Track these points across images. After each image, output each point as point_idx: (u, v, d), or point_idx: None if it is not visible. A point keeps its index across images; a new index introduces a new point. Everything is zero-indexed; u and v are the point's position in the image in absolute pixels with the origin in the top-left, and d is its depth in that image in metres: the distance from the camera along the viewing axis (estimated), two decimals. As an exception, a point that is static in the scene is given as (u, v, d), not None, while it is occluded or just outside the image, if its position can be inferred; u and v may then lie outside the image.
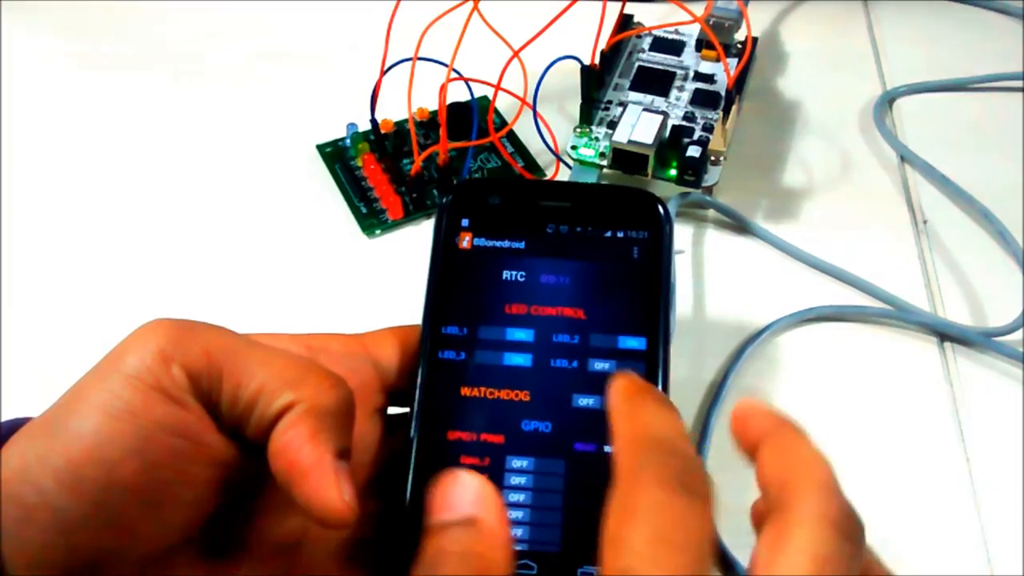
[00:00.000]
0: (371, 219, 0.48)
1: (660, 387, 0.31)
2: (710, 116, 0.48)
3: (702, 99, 0.49)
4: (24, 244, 0.46)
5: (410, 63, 0.45)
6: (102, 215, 0.48)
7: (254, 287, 0.45)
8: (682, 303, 0.45)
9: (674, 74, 0.51)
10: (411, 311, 0.32)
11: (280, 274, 0.46)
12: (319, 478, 0.26)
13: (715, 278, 0.46)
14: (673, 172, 0.46)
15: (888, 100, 0.54)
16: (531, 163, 0.51)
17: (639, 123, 0.46)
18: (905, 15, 0.59)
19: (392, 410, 0.32)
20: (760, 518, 0.24)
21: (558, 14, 0.45)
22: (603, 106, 0.49)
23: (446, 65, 0.45)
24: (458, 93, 0.47)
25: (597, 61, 0.48)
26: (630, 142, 0.45)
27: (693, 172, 0.46)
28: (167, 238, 0.47)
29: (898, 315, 0.45)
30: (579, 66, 0.47)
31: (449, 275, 0.33)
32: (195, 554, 0.28)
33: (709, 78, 0.50)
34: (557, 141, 0.49)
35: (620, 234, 0.33)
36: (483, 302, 0.32)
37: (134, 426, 0.25)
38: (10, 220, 0.47)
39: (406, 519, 0.29)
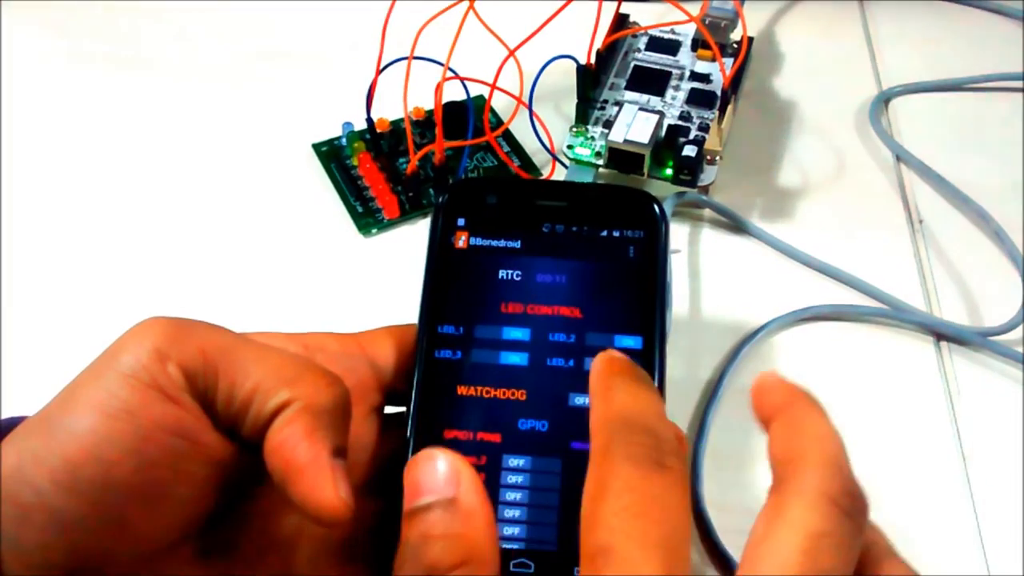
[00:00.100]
0: (367, 218, 0.48)
1: (655, 385, 0.31)
2: (706, 116, 0.48)
3: (698, 99, 0.49)
4: (23, 243, 0.46)
5: (406, 62, 0.45)
6: (100, 213, 0.48)
7: (250, 286, 0.45)
8: (678, 302, 0.45)
9: (670, 74, 0.51)
10: (407, 310, 0.32)
11: (276, 273, 0.46)
12: (315, 475, 0.25)
13: (711, 277, 0.46)
14: (669, 171, 0.47)
15: (884, 100, 0.54)
16: (527, 162, 0.51)
17: (635, 122, 0.46)
18: (900, 15, 0.59)
19: (389, 409, 0.32)
20: None
21: (554, 13, 0.45)
22: (599, 105, 0.49)
23: (442, 64, 0.45)
24: (454, 92, 0.47)
25: (593, 60, 0.48)
26: (626, 141, 0.45)
27: (689, 171, 0.46)
28: (164, 237, 0.47)
29: (894, 314, 0.45)
30: (575, 65, 0.47)
31: (445, 274, 0.33)
32: (192, 553, 0.28)
33: (705, 78, 0.50)
34: (553, 140, 0.49)
35: (616, 233, 0.33)
36: (479, 301, 0.32)
37: (131, 425, 0.25)
38: (10, 219, 0.47)
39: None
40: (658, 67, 0.51)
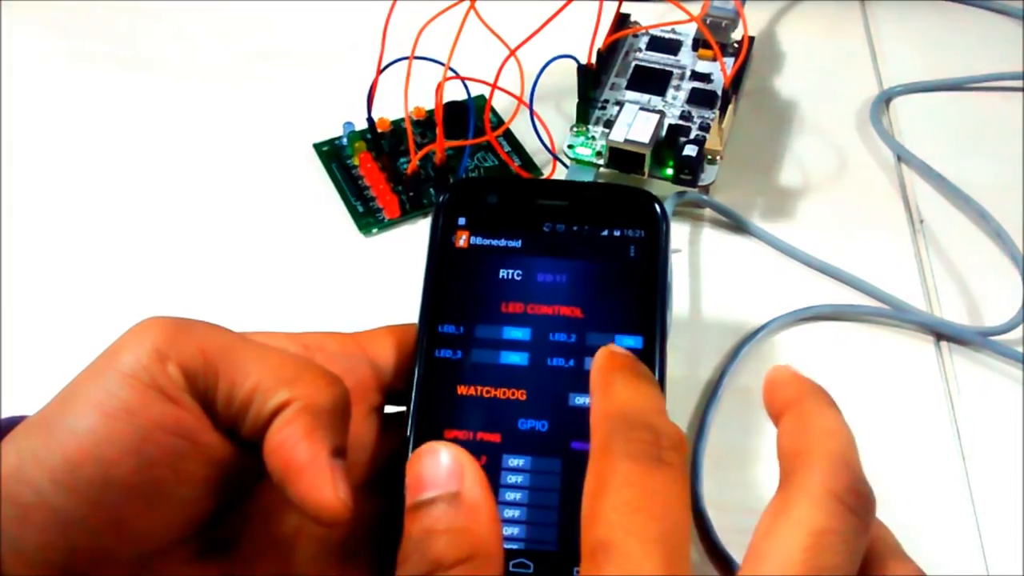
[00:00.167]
0: (368, 218, 0.48)
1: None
2: (707, 115, 0.48)
3: (699, 98, 0.49)
4: (23, 243, 0.46)
5: (407, 62, 0.45)
6: (100, 213, 0.48)
7: (250, 286, 0.45)
8: (678, 302, 0.45)
9: (671, 73, 0.51)
10: (408, 310, 0.32)
11: (276, 273, 0.46)
12: (314, 475, 0.25)
13: (711, 277, 0.46)
14: (669, 171, 0.46)
15: (885, 100, 0.54)
16: (528, 162, 0.51)
17: (636, 122, 0.46)
18: (902, 15, 0.59)
19: (389, 409, 0.32)
20: None
21: (555, 13, 0.45)
22: (600, 105, 0.49)
23: (443, 64, 0.45)
24: (455, 92, 0.47)
25: (594, 60, 0.48)
26: (627, 141, 0.45)
27: (689, 171, 0.46)
28: (164, 236, 0.47)
29: (895, 314, 0.45)
30: (576, 65, 0.47)
31: (446, 274, 0.33)
32: (191, 552, 0.28)
33: (706, 77, 0.50)
34: (554, 140, 0.49)
35: (617, 233, 0.33)
36: (480, 301, 0.32)
37: (131, 425, 0.25)
38: (10, 219, 0.47)
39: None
40: (659, 67, 0.51)
